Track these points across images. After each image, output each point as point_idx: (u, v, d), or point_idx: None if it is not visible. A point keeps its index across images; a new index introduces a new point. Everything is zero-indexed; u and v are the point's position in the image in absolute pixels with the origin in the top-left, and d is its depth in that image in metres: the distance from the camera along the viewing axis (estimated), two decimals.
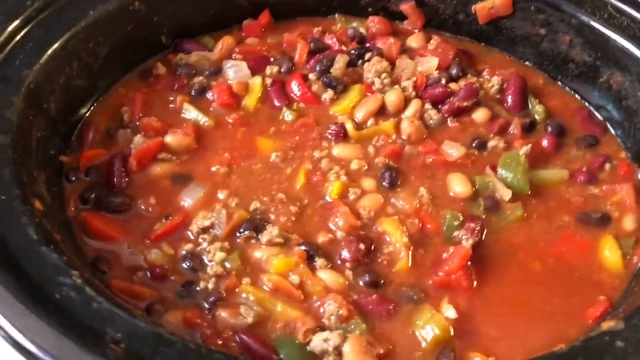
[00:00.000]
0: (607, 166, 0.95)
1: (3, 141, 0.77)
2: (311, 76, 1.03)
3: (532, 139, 0.98)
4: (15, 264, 0.66)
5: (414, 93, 1.01)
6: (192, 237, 0.84)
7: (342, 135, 0.96)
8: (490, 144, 0.96)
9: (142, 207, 0.87)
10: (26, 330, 0.61)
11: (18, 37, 0.86)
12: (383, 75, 1.02)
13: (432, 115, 0.99)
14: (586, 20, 0.99)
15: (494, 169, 0.92)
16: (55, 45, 0.88)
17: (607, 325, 0.69)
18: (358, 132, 0.97)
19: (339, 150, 0.95)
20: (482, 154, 0.96)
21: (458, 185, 0.91)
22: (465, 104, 0.99)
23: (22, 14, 0.87)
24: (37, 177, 0.80)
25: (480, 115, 1.00)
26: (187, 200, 0.88)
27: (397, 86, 1.02)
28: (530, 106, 1.02)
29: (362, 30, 1.10)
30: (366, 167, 0.93)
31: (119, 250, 0.83)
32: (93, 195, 0.87)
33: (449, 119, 0.99)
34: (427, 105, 1.00)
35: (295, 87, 1.02)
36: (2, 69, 0.83)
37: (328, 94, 1.01)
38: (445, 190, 0.91)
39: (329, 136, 0.96)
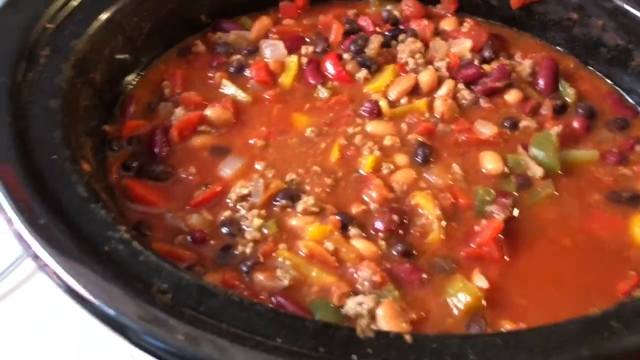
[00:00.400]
0: (638, 148, 0.96)
1: (54, 105, 0.80)
2: (346, 56, 1.05)
3: (563, 120, 0.99)
4: (68, 219, 0.68)
5: (447, 73, 1.03)
6: (230, 205, 0.86)
7: (376, 113, 0.98)
8: (522, 124, 0.98)
9: (183, 175, 0.89)
10: (79, 278, 0.63)
11: (67, 9, 0.89)
12: (417, 56, 1.04)
13: (465, 95, 1.01)
14: (620, 4, 1.00)
15: (525, 148, 0.94)
16: (102, 18, 0.92)
17: (638, 293, 0.70)
18: (391, 109, 0.99)
19: (372, 126, 0.97)
20: (514, 133, 0.97)
21: (490, 163, 0.92)
22: (498, 84, 1.01)
23: None
24: (84, 143, 0.83)
25: (512, 96, 1.01)
26: (226, 171, 0.91)
27: (430, 66, 1.04)
28: (561, 89, 1.04)
29: (396, 12, 1.13)
30: (399, 144, 0.95)
31: (160, 215, 0.85)
32: (135, 164, 0.90)
33: (481, 100, 1.01)
34: (460, 86, 1.02)
35: (330, 66, 1.04)
36: (53, 38, 0.86)
37: (362, 73, 1.03)
38: (477, 167, 0.93)
39: (363, 113, 0.98)
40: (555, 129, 0.95)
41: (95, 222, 0.70)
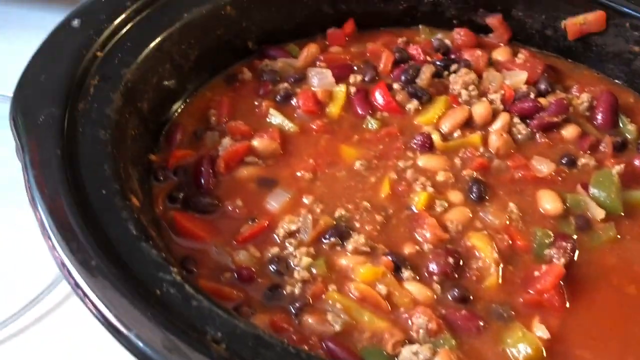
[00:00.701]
0: None
1: (103, 136, 0.78)
2: (395, 86, 1.02)
3: (624, 158, 0.95)
4: (118, 258, 0.66)
5: (502, 106, 0.99)
6: (278, 241, 0.84)
7: (428, 146, 0.95)
8: (581, 161, 0.94)
9: (229, 208, 0.87)
10: (130, 323, 0.61)
11: (117, 37, 0.88)
12: (470, 87, 1.01)
13: (521, 129, 0.97)
14: None
15: (585, 187, 0.90)
16: (151, 46, 0.90)
17: None
18: (444, 143, 0.96)
19: (424, 160, 0.94)
20: (572, 171, 0.93)
21: (548, 203, 0.89)
22: (555, 119, 0.97)
23: (121, 14, 0.89)
24: (132, 174, 0.82)
25: (569, 131, 0.98)
26: (273, 204, 0.88)
27: (484, 99, 1.00)
28: (621, 125, 1.00)
29: (447, 41, 1.10)
30: (453, 180, 0.92)
31: (206, 250, 0.83)
32: (181, 195, 0.87)
33: (537, 134, 0.97)
34: (516, 119, 0.98)
35: (379, 96, 1.01)
36: (103, 67, 0.84)
37: (413, 104, 1.00)
38: (534, 206, 0.89)
39: (414, 146, 0.95)
40: (616, 168, 0.91)
41: (146, 263, 0.67)
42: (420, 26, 1.12)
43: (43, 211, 0.69)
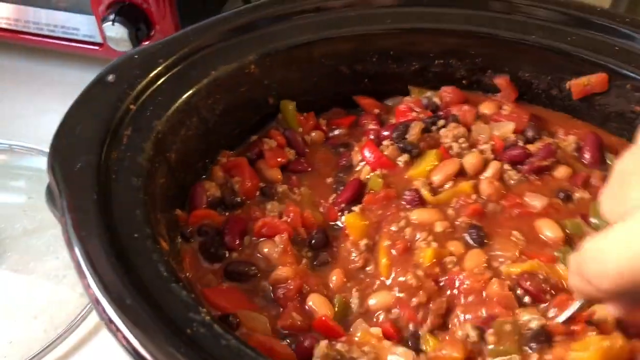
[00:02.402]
0: None
1: (135, 183, 0.82)
2: (385, 142, 1.06)
3: None
4: (151, 299, 0.69)
5: (492, 155, 1.04)
6: None
7: (417, 201, 0.97)
8: (576, 195, 0.99)
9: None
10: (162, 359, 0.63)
11: (150, 91, 0.93)
12: (461, 140, 1.05)
13: (512, 175, 1.02)
14: None
15: (584, 217, 0.94)
16: (181, 100, 0.95)
17: None
18: (435, 197, 0.98)
19: (417, 215, 0.95)
20: (568, 205, 0.98)
21: (549, 230, 0.92)
22: (545, 162, 1.02)
23: (154, 70, 0.95)
24: (160, 220, 0.85)
25: (561, 172, 1.02)
26: None
27: (474, 149, 1.05)
28: (608, 161, 1.05)
29: (435, 99, 1.14)
30: (450, 229, 0.94)
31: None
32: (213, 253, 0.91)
33: (530, 178, 1.02)
34: (507, 166, 1.03)
35: (368, 153, 1.04)
36: (136, 119, 0.89)
37: (403, 157, 1.04)
38: (537, 235, 0.92)
39: (404, 202, 0.97)
40: None
41: (177, 303, 0.70)
42: (409, 86, 1.17)
43: (80, 253, 0.72)
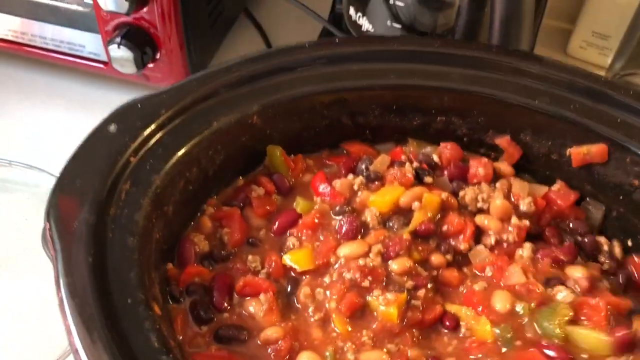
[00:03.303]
0: None
1: (131, 243, 0.82)
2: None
3: None
4: None
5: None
6: None
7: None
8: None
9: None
10: None
11: (150, 143, 0.93)
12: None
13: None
14: None
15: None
16: (181, 152, 0.95)
17: None
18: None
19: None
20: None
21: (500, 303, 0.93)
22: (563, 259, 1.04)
23: (155, 120, 0.95)
24: (154, 278, 0.86)
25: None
26: None
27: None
28: None
29: (434, 156, 1.13)
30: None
31: None
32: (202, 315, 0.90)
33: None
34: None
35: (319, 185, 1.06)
36: (135, 172, 0.90)
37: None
38: None
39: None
40: None
41: None
42: (409, 138, 1.17)
43: (72, 318, 0.73)
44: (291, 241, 0.99)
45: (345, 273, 0.92)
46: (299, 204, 1.03)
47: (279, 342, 0.88)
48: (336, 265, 0.94)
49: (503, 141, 1.15)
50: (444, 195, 1.04)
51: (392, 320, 0.90)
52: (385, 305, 0.90)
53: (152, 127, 0.94)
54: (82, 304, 0.73)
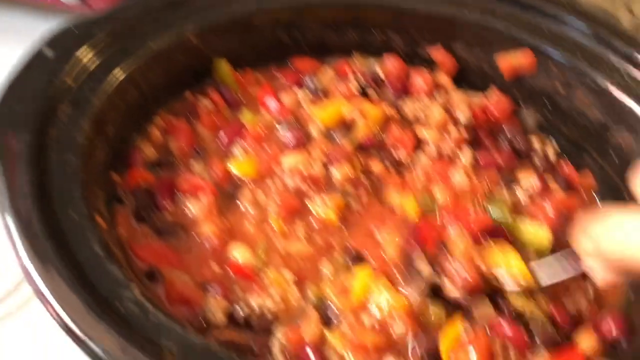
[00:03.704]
0: None
1: (74, 163, 0.85)
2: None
3: None
4: (85, 278, 0.74)
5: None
6: None
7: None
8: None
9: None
10: (95, 338, 0.69)
11: (88, 66, 0.94)
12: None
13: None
14: None
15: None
16: (119, 74, 0.97)
17: None
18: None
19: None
20: None
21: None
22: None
23: (92, 44, 0.96)
24: (98, 194, 0.89)
25: None
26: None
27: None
28: None
29: (378, 70, 1.16)
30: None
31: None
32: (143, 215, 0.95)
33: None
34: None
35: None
36: (74, 95, 0.91)
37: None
38: None
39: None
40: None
41: (110, 282, 0.75)
42: (353, 52, 1.19)
43: (16, 234, 0.76)
44: (237, 151, 1.03)
45: (287, 179, 0.97)
46: (246, 116, 1.07)
47: (213, 236, 0.93)
48: (279, 173, 0.99)
49: (438, 53, 1.18)
50: (387, 108, 1.08)
51: (332, 223, 0.96)
52: (324, 208, 0.96)
53: (88, 49, 0.95)
54: (25, 220, 0.77)
